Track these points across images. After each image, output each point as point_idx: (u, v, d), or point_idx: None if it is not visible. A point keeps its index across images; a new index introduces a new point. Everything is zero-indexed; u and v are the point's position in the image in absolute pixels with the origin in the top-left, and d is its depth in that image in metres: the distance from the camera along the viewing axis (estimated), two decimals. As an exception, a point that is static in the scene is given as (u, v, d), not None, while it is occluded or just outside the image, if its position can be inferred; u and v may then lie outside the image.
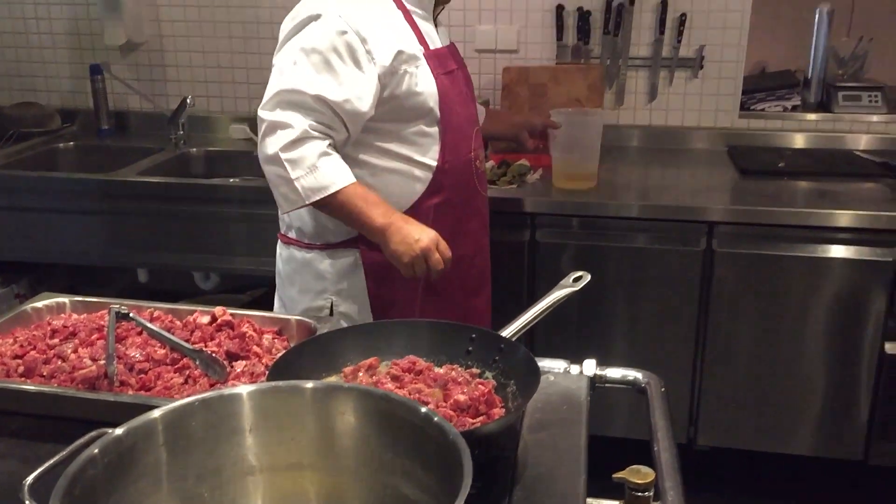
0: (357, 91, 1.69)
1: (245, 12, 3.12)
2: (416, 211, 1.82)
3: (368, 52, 1.70)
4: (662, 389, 1.44)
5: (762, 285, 2.44)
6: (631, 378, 1.44)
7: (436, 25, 1.90)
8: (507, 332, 1.31)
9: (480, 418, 1.17)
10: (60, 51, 3.31)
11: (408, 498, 0.80)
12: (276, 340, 1.41)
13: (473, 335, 1.32)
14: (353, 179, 1.71)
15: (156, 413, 0.78)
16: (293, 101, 1.67)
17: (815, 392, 2.50)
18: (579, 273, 1.44)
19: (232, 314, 1.44)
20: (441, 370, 1.29)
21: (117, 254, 2.79)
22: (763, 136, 2.95)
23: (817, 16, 2.90)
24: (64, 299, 1.48)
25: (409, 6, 1.81)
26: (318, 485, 0.82)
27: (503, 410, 1.19)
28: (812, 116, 2.94)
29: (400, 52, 1.73)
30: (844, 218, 2.34)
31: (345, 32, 1.68)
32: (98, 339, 1.35)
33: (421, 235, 1.71)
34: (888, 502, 2.63)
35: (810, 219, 2.36)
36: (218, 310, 1.43)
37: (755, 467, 2.73)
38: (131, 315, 1.40)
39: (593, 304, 2.54)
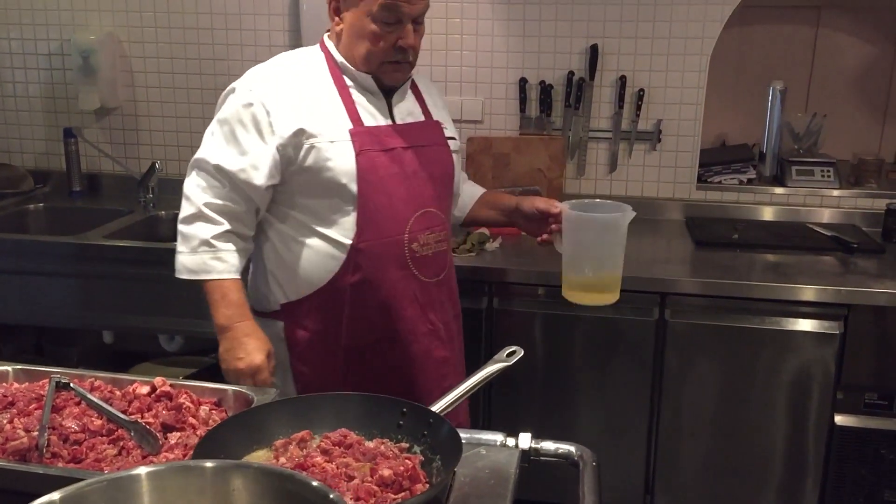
0: (254, 161, 1.75)
1: (217, 79, 3.19)
2: (332, 288, 1.82)
3: (270, 123, 1.75)
4: (594, 463, 1.46)
5: (713, 355, 2.48)
6: (564, 451, 1.46)
7: (389, 104, 1.86)
8: (437, 407, 1.35)
9: (402, 494, 1.19)
10: (35, 114, 3.38)
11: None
12: (213, 412, 1.43)
13: (404, 409, 1.35)
14: (226, 275, 1.76)
15: (55, 495, 0.80)
16: (202, 167, 1.79)
17: (768, 461, 2.53)
18: (513, 348, 1.48)
19: (171, 384, 1.46)
20: (371, 444, 1.32)
21: (83, 316, 2.80)
22: (720, 208, 3.02)
23: (770, 93, 3.00)
24: (7, 367, 1.50)
25: (349, 82, 1.84)
26: (219, 564, 0.84)
27: (426, 486, 1.22)
28: (767, 189, 3.02)
29: (302, 130, 1.75)
30: (794, 291, 2.39)
31: (251, 104, 1.76)
32: (36, 409, 1.37)
33: (245, 356, 1.71)
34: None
35: (760, 291, 2.41)
36: (157, 380, 1.46)
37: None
38: (71, 385, 1.42)
39: (551, 372, 2.57)
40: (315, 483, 0.87)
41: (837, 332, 2.39)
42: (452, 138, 1.98)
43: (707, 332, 2.47)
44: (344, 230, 1.78)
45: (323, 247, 1.80)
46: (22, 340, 3.18)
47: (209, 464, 0.85)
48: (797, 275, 2.47)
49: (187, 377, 2.84)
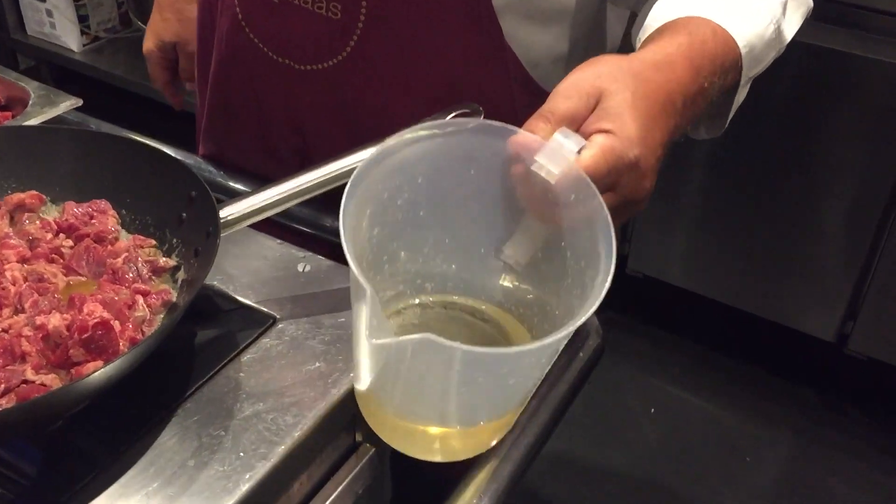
0: None
1: None
2: None
3: None
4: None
5: None
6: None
7: None
8: (231, 210, 0.69)
9: (51, 377, 0.61)
10: None
11: None
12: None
13: (193, 193, 0.71)
14: None
15: None
16: None
17: None
18: (465, 107, 0.74)
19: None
20: (125, 242, 0.72)
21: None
22: None
23: None
24: None
25: None
26: None
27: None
28: None
29: None
30: None
31: None
32: None
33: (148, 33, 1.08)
34: None
35: None
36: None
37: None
38: None
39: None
40: None
41: None
42: None
43: None
44: None
45: None
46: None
47: None
48: None
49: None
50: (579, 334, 0.81)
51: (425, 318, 0.70)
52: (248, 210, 0.68)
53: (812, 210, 1.72)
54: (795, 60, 1.58)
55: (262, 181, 0.74)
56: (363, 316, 0.52)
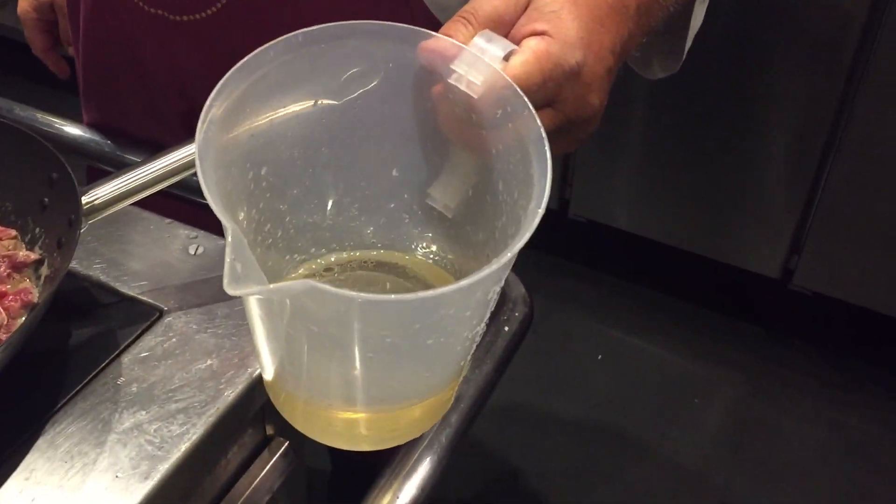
0: None
1: None
2: None
3: None
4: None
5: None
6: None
7: None
8: (95, 195, 0.60)
9: None
10: None
11: None
12: None
13: (54, 175, 0.62)
14: None
15: None
16: None
17: None
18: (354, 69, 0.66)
19: None
20: (-20, 232, 0.64)
21: None
22: None
23: None
24: None
25: None
26: None
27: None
28: None
29: None
30: None
31: None
32: None
33: None
34: None
35: None
36: None
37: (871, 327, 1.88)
38: None
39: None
40: None
41: None
42: None
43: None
44: None
45: None
46: None
47: None
48: None
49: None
50: (505, 304, 0.76)
51: (339, 280, 0.59)
52: (117, 193, 0.59)
53: (753, 145, 1.67)
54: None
55: (156, 150, 0.65)
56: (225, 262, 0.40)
